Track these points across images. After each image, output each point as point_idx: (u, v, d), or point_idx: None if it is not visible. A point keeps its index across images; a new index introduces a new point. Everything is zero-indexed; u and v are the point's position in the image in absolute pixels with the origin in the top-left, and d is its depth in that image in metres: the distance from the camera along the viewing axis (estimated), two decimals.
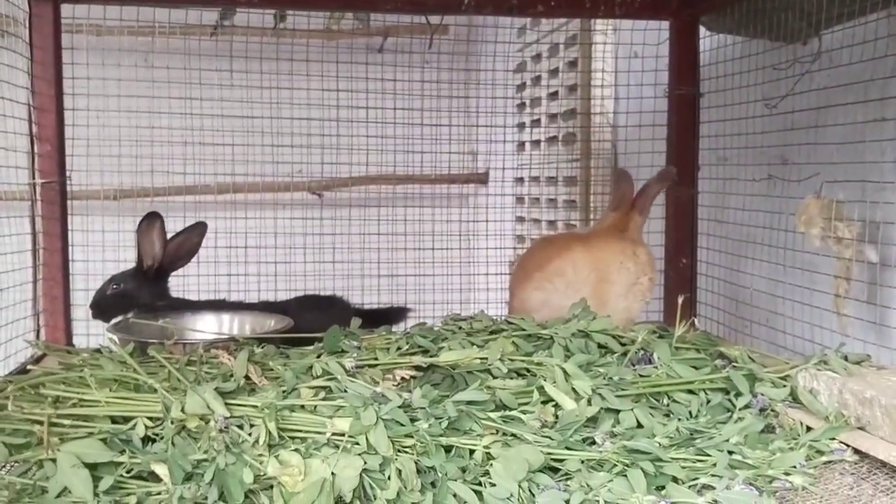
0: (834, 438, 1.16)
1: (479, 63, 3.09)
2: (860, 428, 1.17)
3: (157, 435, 1.09)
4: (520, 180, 3.56)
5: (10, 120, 1.86)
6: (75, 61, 2.12)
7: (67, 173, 1.93)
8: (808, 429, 1.20)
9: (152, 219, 1.91)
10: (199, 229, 2.00)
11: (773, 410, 1.26)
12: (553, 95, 3.20)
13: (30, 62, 1.85)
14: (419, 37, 3.16)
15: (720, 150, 2.13)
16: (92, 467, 1.01)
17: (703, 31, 2.11)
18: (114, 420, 1.12)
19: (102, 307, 1.93)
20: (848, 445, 1.15)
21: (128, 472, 1.02)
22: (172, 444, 1.06)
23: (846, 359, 1.32)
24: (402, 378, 1.26)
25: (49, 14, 1.86)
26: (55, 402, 1.17)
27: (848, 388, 1.20)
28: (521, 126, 3.54)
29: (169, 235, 1.96)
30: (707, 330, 2.06)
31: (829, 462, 1.13)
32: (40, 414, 1.11)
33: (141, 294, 1.92)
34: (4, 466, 1.06)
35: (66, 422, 1.11)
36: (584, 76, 2.90)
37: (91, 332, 2.02)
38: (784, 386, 1.29)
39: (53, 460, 1.02)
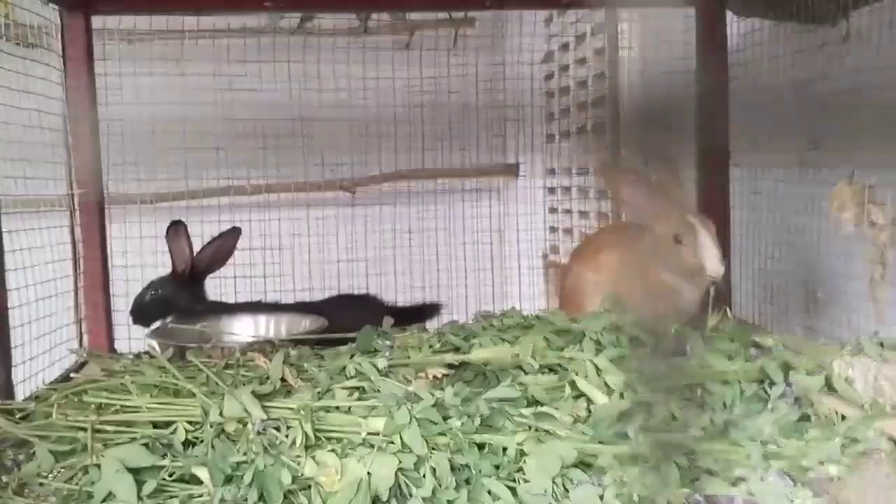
0: (870, 427, 1.15)
1: (506, 55, 3.08)
2: None
3: (197, 438, 1.12)
4: (551, 171, 3.55)
5: (46, 131, 1.90)
6: (108, 71, 2.16)
7: (104, 182, 1.96)
8: (844, 417, 1.19)
9: (176, 226, 1.95)
10: (234, 234, 2.03)
11: (808, 399, 1.25)
12: (581, 84, 3.18)
13: (63, 73, 1.89)
14: (446, 30, 3.16)
15: (751, 136, 2.11)
16: (135, 472, 1.03)
17: (730, 15, 2.09)
18: (155, 425, 1.15)
19: (142, 312, 1.97)
20: (884, 433, 1.14)
21: (170, 475, 1.05)
22: (212, 447, 1.09)
23: (882, 345, 1.31)
24: (435, 376, 1.27)
25: (80, 25, 1.89)
26: (98, 409, 1.20)
27: (883, 374, 1.19)
28: (551, 116, 3.52)
29: (206, 239, 1.99)
30: (741, 318, 2.05)
31: (866, 451, 1.12)
32: (84, 421, 1.14)
33: (178, 298, 1.95)
34: (51, 473, 1.09)
35: (109, 428, 1.14)
36: (612, 64, 2.88)
37: (133, 337, 2.07)
38: (819, 374, 1.28)
39: (98, 466, 1.05)
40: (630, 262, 1.80)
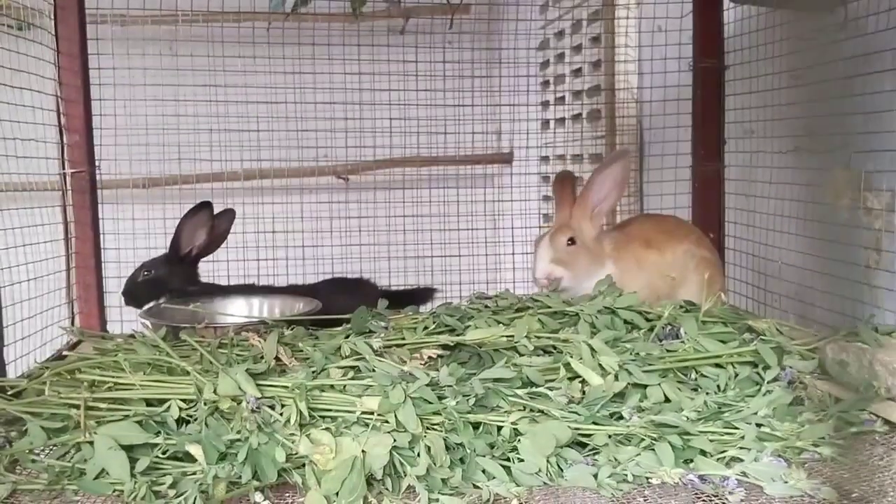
0: (864, 409, 1.16)
1: (502, 41, 3.07)
2: (890, 399, 1.16)
3: (190, 416, 1.11)
4: (545, 159, 3.55)
5: (38, 111, 1.89)
6: (101, 52, 2.14)
7: (96, 162, 1.95)
8: (837, 400, 1.20)
9: (203, 207, 1.93)
10: (228, 216, 2.02)
11: (801, 383, 1.25)
12: (577, 72, 3.18)
13: (56, 54, 1.88)
14: (440, 17, 3.15)
15: (746, 123, 2.11)
16: (128, 449, 1.03)
17: (726, 2, 2.09)
18: (148, 403, 1.15)
19: (134, 293, 1.96)
20: (878, 416, 1.14)
21: (163, 453, 1.04)
22: (206, 425, 1.08)
23: (876, 330, 1.31)
24: (430, 357, 1.27)
25: (74, 6, 1.88)
26: (91, 387, 1.19)
27: (878, 358, 1.19)
28: (546, 104, 3.52)
29: None
30: (735, 304, 2.05)
31: (860, 433, 1.12)
32: (77, 398, 1.13)
33: (171, 280, 1.94)
34: (44, 450, 1.08)
35: (102, 405, 1.13)
36: (608, 52, 2.87)
37: (124, 319, 2.06)
38: (812, 358, 1.28)
39: (91, 443, 1.05)
40: None
